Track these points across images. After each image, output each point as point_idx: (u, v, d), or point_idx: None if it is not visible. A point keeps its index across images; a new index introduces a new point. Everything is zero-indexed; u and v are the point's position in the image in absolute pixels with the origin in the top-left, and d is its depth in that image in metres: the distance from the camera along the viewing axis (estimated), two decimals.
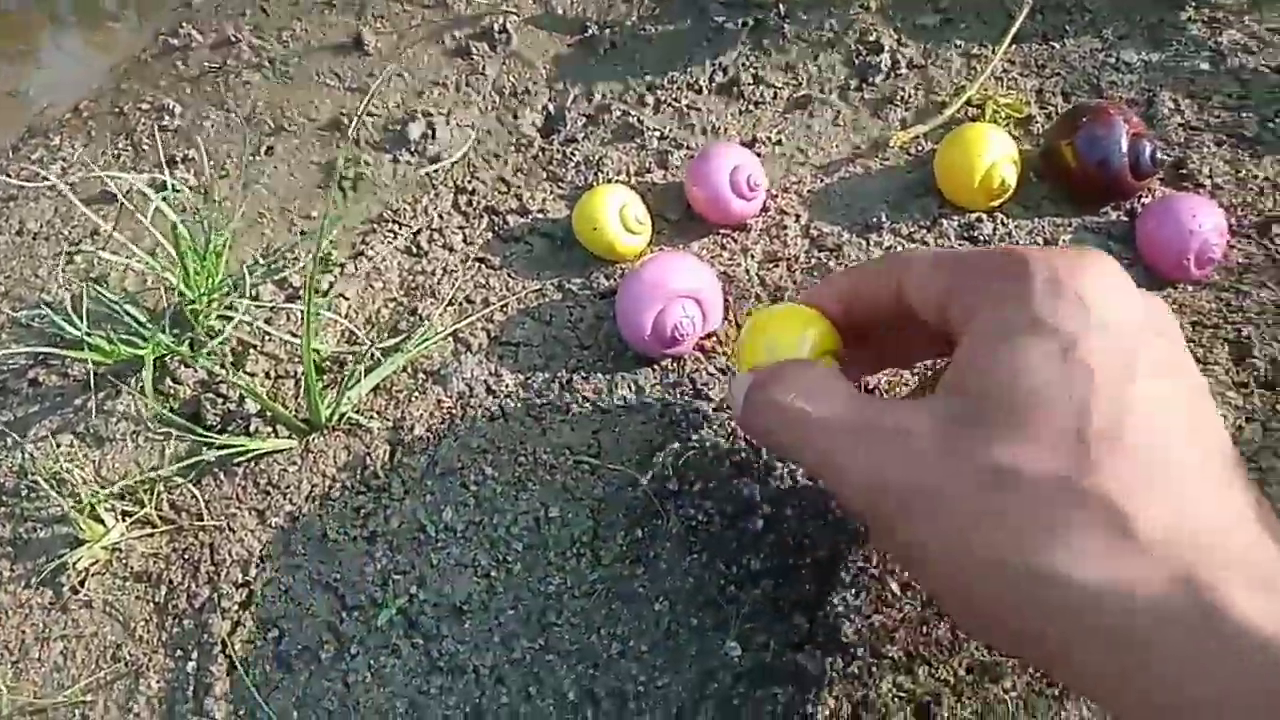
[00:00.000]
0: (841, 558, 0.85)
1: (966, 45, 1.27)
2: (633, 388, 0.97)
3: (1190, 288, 1.03)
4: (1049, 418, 0.43)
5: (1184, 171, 1.12)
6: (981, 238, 1.06)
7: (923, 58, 1.26)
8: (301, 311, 0.99)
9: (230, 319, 1.00)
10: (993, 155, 1.05)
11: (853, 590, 0.84)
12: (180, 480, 0.91)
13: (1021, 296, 0.47)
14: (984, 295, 0.49)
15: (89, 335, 0.92)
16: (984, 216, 1.08)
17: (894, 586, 0.84)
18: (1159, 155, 1.05)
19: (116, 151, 1.26)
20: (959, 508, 0.44)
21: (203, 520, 0.89)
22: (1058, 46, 1.26)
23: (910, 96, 1.23)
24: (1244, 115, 1.16)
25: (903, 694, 0.79)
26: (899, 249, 1.07)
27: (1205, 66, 1.22)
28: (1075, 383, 0.43)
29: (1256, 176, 1.11)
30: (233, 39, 1.40)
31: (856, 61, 1.27)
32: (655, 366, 0.99)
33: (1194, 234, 0.98)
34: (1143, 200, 1.08)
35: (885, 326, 0.62)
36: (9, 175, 1.24)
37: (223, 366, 0.96)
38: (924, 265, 0.55)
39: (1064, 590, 0.40)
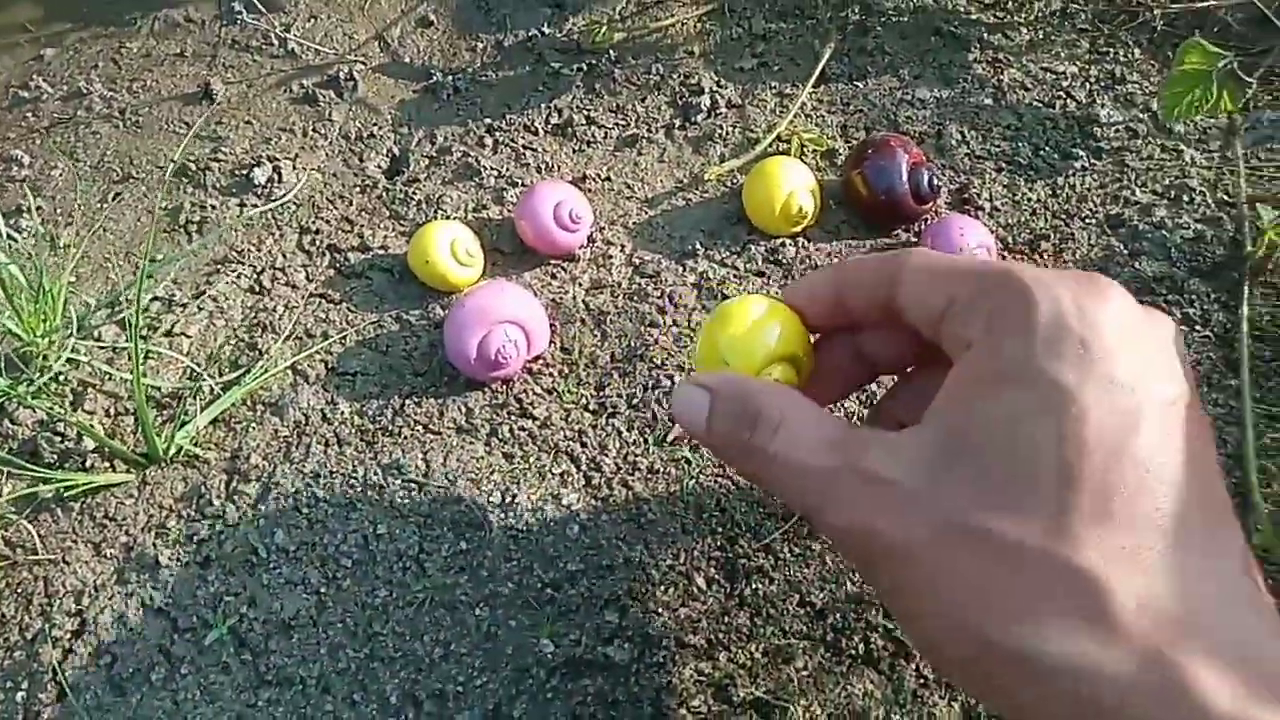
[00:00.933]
0: (654, 556, 0.93)
1: (780, 85, 1.39)
2: (462, 410, 1.04)
3: None
4: (1035, 482, 0.41)
5: (967, 196, 1.25)
6: (784, 260, 1.17)
7: (740, 98, 1.38)
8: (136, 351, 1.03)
9: (72, 360, 1.03)
10: (790, 185, 1.16)
11: (661, 586, 0.91)
12: (14, 517, 0.94)
13: (1023, 334, 0.43)
14: (984, 323, 0.45)
15: None
16: (787, 241, 1.19)
17: (699, 581, 0.92)
18: (935, 182, 1.18)
19: None
20: (939, 565, 0.42)
21: (37, 555, 0.91)
22: (860, 85, 1.39)
23: (729, 133, 1.34)
24: (1019, 145, 1.31)
25: (703, 678, 0.86)
26: (710, 272, 1.16)
27: (988, 101, 1.36)
28: (1067, 447, 0.40)
29: (1030, 199, 1.25)
30: (83, 90, 1.43)
31: (680, 102, 1.37)
32: (485, 390, 1.06)
33: (963, 250, 1.11)
34: (926, 222, 1.20)
35: (868, 328, 0.58)
36: None
37: (61, 406, 1.00)
38: (922, 273, 0.50)
39: (1034, 660, 0.39)
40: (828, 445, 0.48)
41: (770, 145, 1.29)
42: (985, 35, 1.44)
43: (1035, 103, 1.36)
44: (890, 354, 0.59)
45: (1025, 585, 0.40)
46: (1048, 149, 1.30)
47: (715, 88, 1.38)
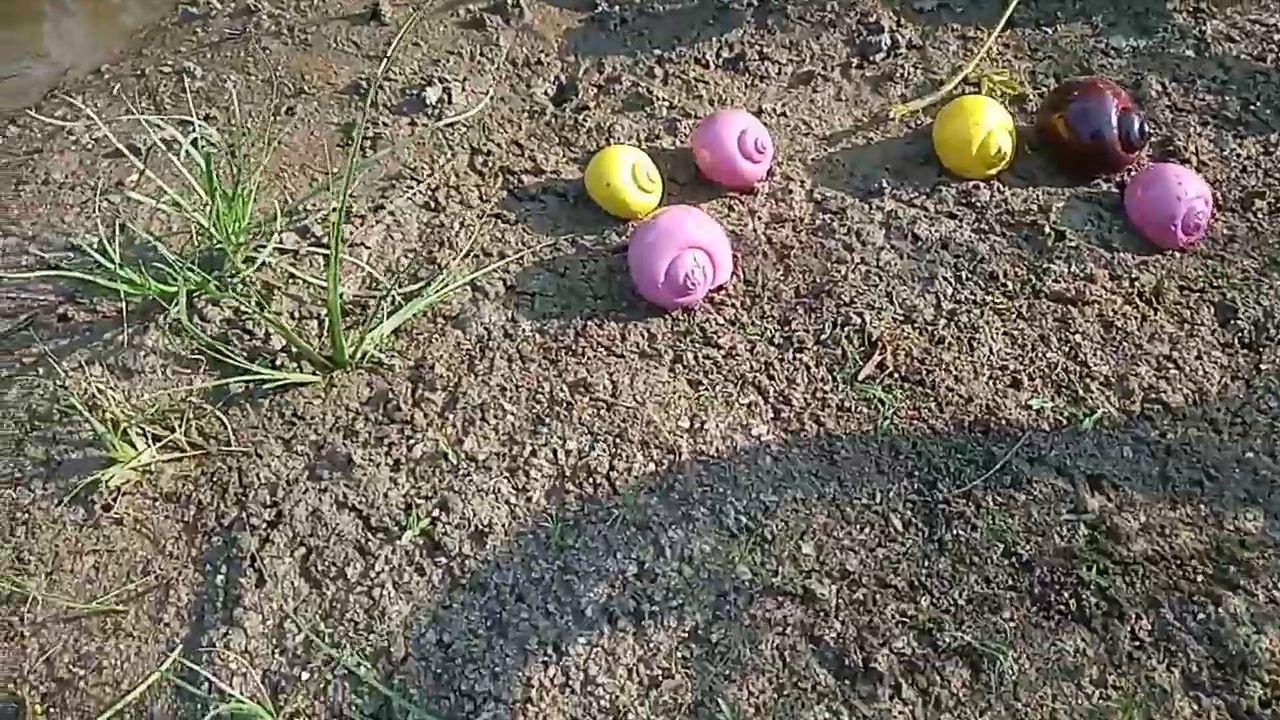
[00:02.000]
0: (848, 494, 0.89)
1: (962, 28, 1.32)
2: (645, 334, 1.01)
3: (1179, 255, 1.08)
4: None
5: (1171, 149, 1.18)
6: (978, 204, 1.11)
7: (920, 39, 1.32)
8: (325, 256, 1.02)
9: (252, 259, 1.03)
10: (989, 124, 1.10)
11: (858, 525, 0.88)
12: (209, 408, 0.94)
13: None
14: None
15: (121, 270, 0.95)
16: (981, 185, 1.13)
17: (897, 523, 0.88)
18: (1147, 129, 1.11)
19: (140, 110, 1.29)
20: None
21: (230, 446, 0.92)
22: (1050, 32, 1.32)
23: (909, 75, 1.28)
24: (1226, 98, 1.22)
25: (905, 619, 0.83)
26: (899, 212, 1.11)
27: (1190, 53, 1.28)
28: None
29: (1239, 155, 1.17)
30: (252, 7, 1.43)
31: (857, 41, 1.32)
32: (666, 316, 1.03)
33: (1180, 201, 1.04)
34: (1130, 172, 1.13)
35: None
36: (33, 130, 1.27)
37: (250, 305, 1.00)
38: None
39: None
40: None
41: (956, 87, 1.23)
42: None
43: (1243, 55, 1.27)
44: None
45: None
46: (1259, 104, 1.22)
47: (894, 27, 1.32)
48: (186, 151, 1.02)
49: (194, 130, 1.08)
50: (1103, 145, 1.09)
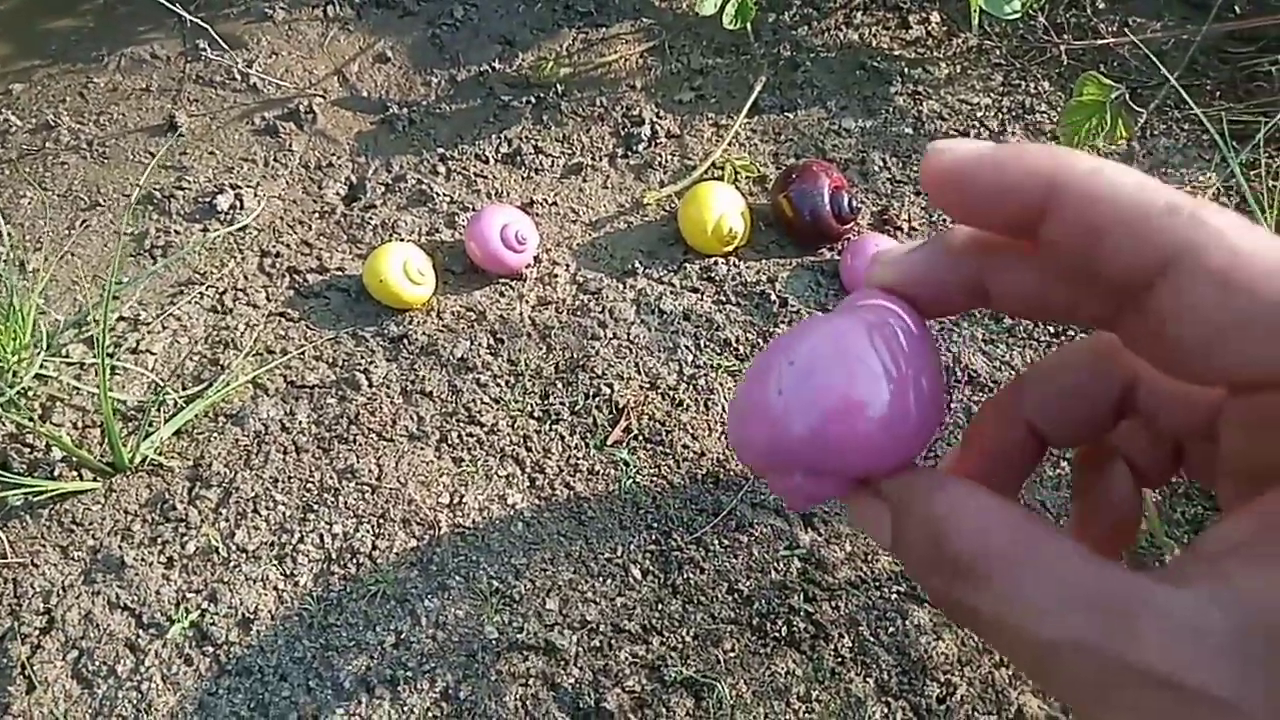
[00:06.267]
0: (593, 549, 1.00)
1: (716, 116, 1.48)
2: (414, 418, 1.10)
3: None
4: None
5: (887, 216, 1.35)
6: (717, 277, 1.26)
7: (679, 128, 1.47)
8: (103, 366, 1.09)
9: (41, 376, 1.09)
10: (721, 208, 1.25)
11: (600, 578, 0.98)
12: None
13: None
14: None
15: None
16: (720, 260, 1.28)
17: (635, 572, 0.99)
18: (855, 204, 1.27)
19: None
20: None
21: (6, 558, 0.96)
22: (790, 116, 1.49)
23: (668, 161, 1.43)
24: None
25: (637, 660, 0.93)
26: (649, 289, 1.25)
27: (909, 130, 1.47)
28: None
29: (946, 220, 1.35)
30: (51, 123, 1.49)
31: (623, 132, 1.46)
32: (434, 399, 1.12)
33: None
34: (847, 241, 1.30)
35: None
36: None
37: (30, 419, 1.05)
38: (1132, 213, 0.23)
39: None
40: (1071, 606, 0.23)
41: (706, 172, 1.38)
42: (906, 70, 1.55)
43: (952, 131, 1.46)
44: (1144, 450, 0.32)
45: None
46: None
47: (655, 118, 1.47)
48: None
49: None
50: (819, 220, 1.25)
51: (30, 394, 1.08)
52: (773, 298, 1.22)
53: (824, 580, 0.99)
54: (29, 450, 1.05)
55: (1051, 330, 1.21)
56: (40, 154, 1.45)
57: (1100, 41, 1.52)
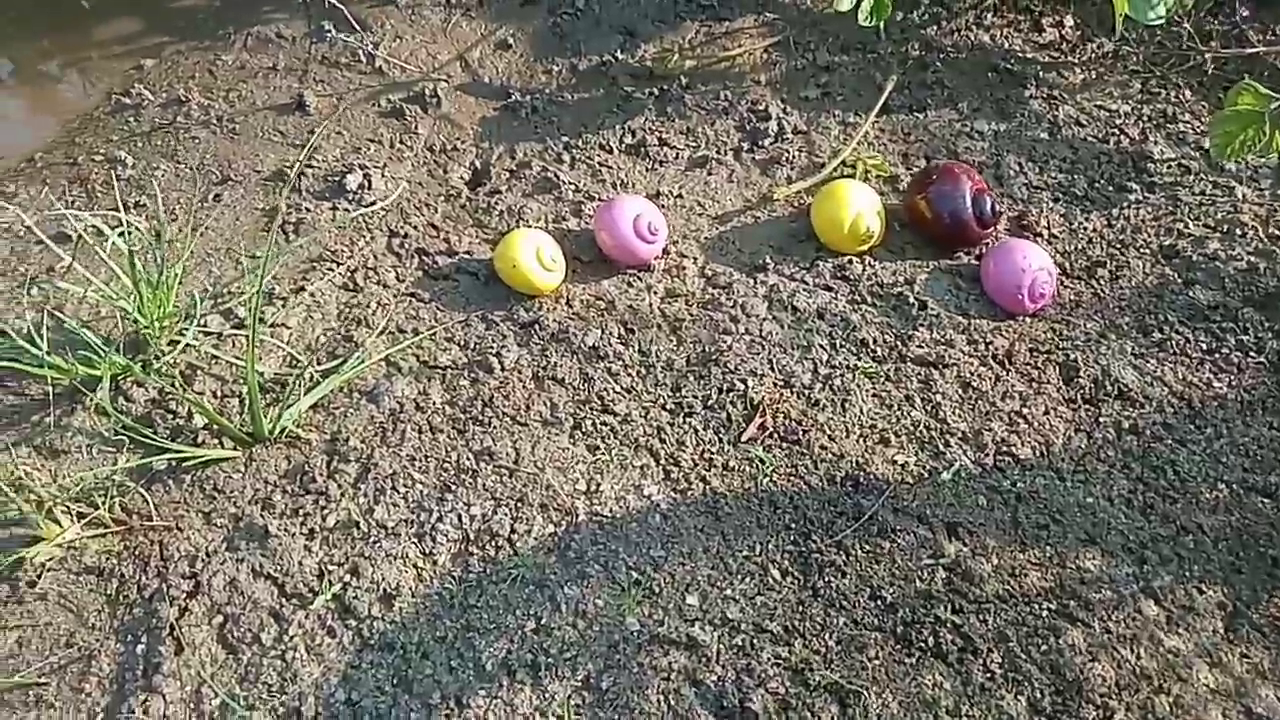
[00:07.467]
0: (731, 547, 0.98)
1: (843, 114, 1.46)
2: (548, 404, 1.09)
3: (1029, 320, 1.20)
4: None
5: (1025, 223, 1.31)
6: (851, 276, 1.23)
7: (805, 124, 1.44)
8: (246, 337, 1.09)
9: (178, 343, 1.10)
10: (858, 206, 1.22)
11: (739, 576, 0.96)
12: (131, 485, 1.00)
13: None
14: None
15: (48, 356, 1.01)
16: (855, 259, 1.25)
17: (775, 573, 0.97)
18: (998, 208, 1.24)
19: (71, 198, 1.36)
20: None
21: (152, 521, 0.97)
22: (920, 117, 1.46)
23: (794, 157, 1.40)
24: (1075, 177, 1.36)
25: (780, 661, 0.91)
26: (781, 286, 1.22)
27: (1044, 135, 1.42)
28: None
29: (1085, 227, 1.31)
30: (183, 98, 1.51)
31: (748, 127, 1.44)
32: (567, 387, 1.11)
33: (1025, 272, 1.16)
34: (986, 246, 1.26)
35: None
36: None
37: (173, 385, 1.06)
38: None
39: None
40: None
41: (836, 169, 1.36)
42: (1040, 73, 1.51)
43: (1090, 138, 1.42)
44: None
45: None
46: (1102, 181, 1.36)
47: (781, 114, 1.45)
48: (113, 242, 1.09)
49: (120, 222, 1.15)
50: (959, 224, 1.21)
51: (172, 361, 1.10)
52: (911, 300, 1.19)
53: (971, 592, 0.95)
54: (171, 416, 1.06)
55: (1205, 346, 1.16)
56: (171, 128, 1.47)
57: (1250, 50, 1.46)
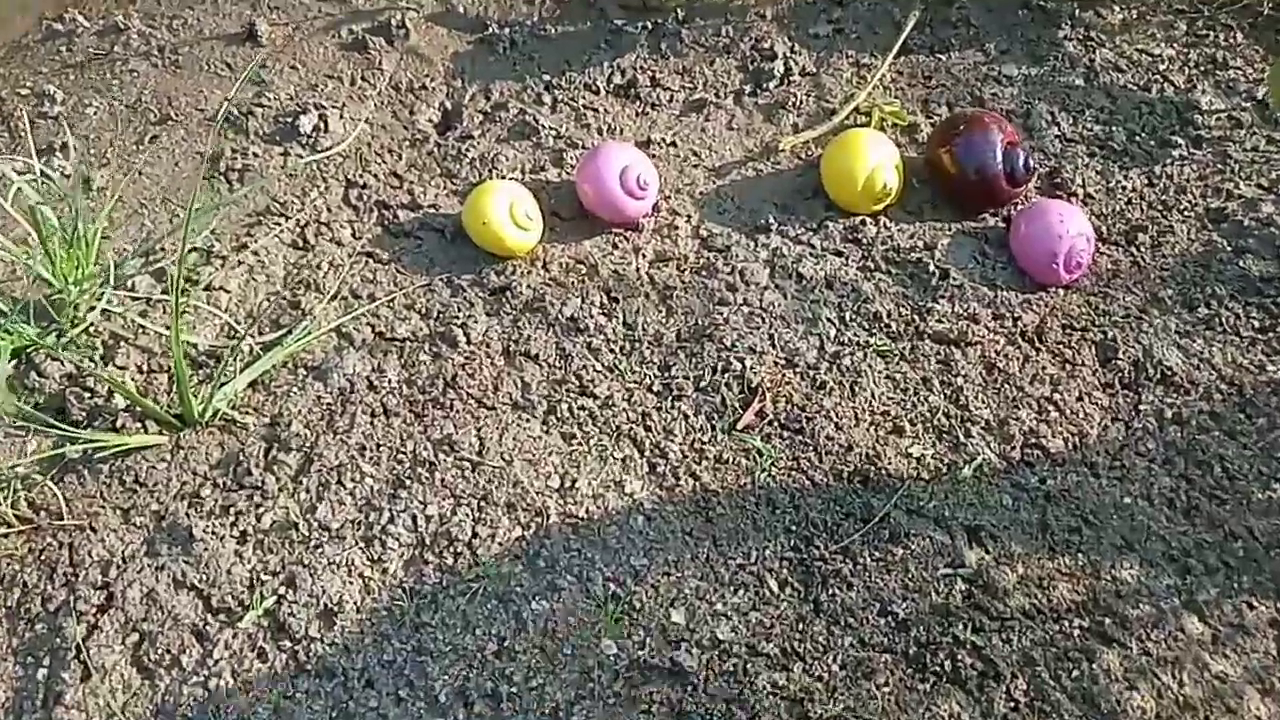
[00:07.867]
0: (723, 553, 0.86)
1: (857, 55, 1.30)
2: (518, 384, 0.97)
3: (1062, 292, 1.07)
4: None
5: (1058, 181, 1.17)
6: (864, 240, 1.09)
7: (814, 65, 1.29)
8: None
9: (105, 311, 0.97)
10: (875, 160, 1.08)
11: (731, 588, 0.85)
12: (40, 478, 0.87)
13: None
14: None
15: None
16: (868, 219, 1.11)
17: (772, 584, 0.86)
18: (1032, 164, 1.10)
19: None
20: None
21: (63, 519, 0.85)
22: (943, 59, 1.30)
23: (801, 103, 1.25)
24: (1113, 129, 1.22)
25: (777, 690, 0.80)
26: (785, 249, 1.09)
27: (1079, 82, 1.27)
28: None
29: (1124, 187, 1.17)
30: (121, 26, 1.35)
31: (751, 68, 1.29)
32: (541, 364, 0.99)
33: (1062, 239, 1.03)
34: (1016, 207, 1.12)
35: None
36: None
37: (91, 360, 0.93)
38: None
39: None
40: None
41: (848, 117, 1.21)
42: (1076, 11, 1.35)
43: (1130, 85, 1.27)
44: None
45: None
46: (1143, 135, 1.22)
47: (788, 54, 1.29)
48: (19, 190, 0.95)
49: (30, 168, 1.00)
50: (987, 180, 1.08)
51: (92, 330, 0.96)
52: (931, 268, 1.06)
53: (993, 608, 0.84)
54: (89, 395, 0.93)
55: (1257, 324, 1.03)
56: (107, 59, 1.32)
57: None
